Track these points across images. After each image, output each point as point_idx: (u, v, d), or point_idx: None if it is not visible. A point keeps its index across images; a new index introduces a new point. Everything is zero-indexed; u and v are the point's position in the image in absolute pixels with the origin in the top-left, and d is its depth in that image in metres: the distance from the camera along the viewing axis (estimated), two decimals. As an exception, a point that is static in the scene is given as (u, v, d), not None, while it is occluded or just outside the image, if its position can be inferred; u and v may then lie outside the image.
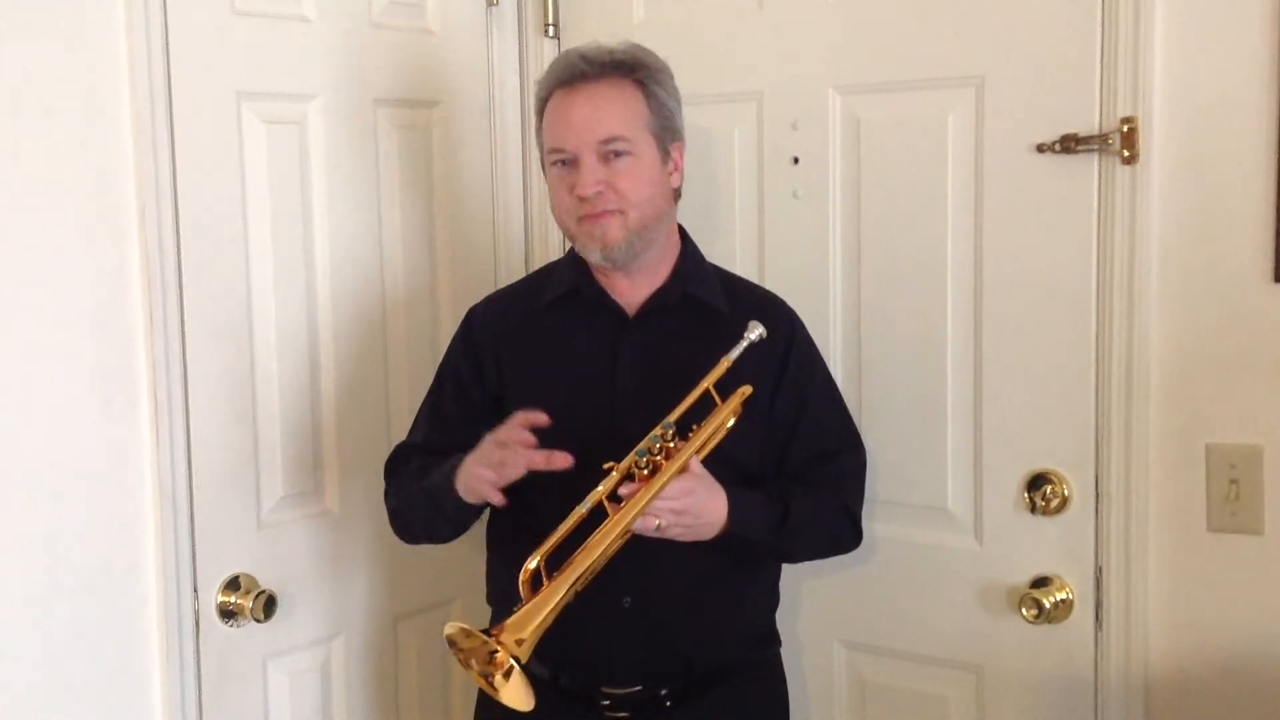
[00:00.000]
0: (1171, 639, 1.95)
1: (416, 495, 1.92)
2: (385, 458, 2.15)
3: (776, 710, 2.04)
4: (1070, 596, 2.02)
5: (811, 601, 2.27)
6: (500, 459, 1.73)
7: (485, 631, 1.63)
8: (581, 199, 1.84)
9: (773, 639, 2.04)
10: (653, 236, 1.90)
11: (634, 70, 1.88)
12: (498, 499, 1.74)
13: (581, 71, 1.85)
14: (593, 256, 1.88)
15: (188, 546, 2.03)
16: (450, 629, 1.65)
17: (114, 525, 1.95)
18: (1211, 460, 1.90)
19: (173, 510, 2.00)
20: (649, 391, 1.86)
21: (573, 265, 1.97)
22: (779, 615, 2.06)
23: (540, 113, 1.92)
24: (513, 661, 1.59)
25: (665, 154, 1.90)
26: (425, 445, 2.00)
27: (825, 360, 2.08)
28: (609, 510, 1.69)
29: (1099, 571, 2.00)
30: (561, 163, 1.86)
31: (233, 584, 2.09)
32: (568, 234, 1.92)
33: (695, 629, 1.89)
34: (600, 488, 1.70)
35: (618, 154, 1.84)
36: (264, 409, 2.15)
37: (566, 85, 1.86)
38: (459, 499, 1.82)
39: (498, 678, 1.61)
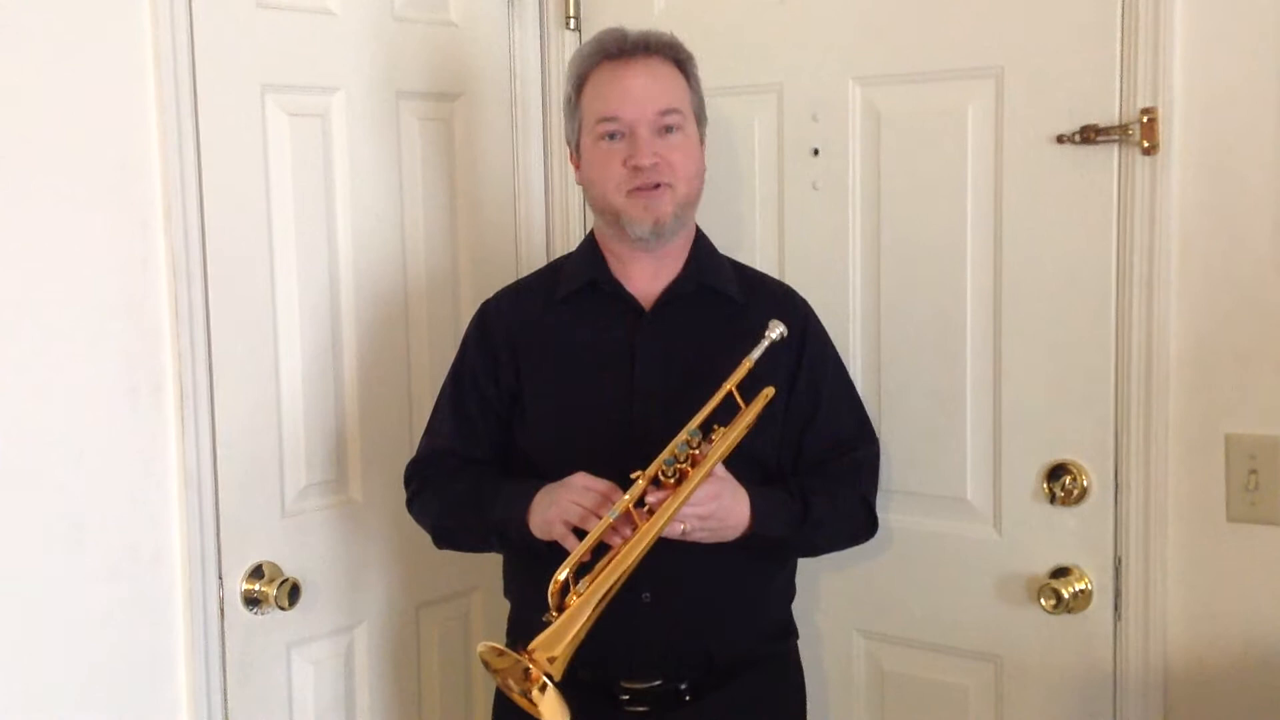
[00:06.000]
0: (1190, 629, 1.95)
1: (474, 523, 1.92)
2: (408, 447, 2.16)
3: (795, 701, 2.04)
4: (1089, 587, 2.02)
5: (830, 592, 2.28)
6: (582, 516, 1.74)
7: (517, 650, 1.62)
8: (636, 170, 1.83)
9: (790, 631, 2.05)
10: (691, 215, 1.93)
11: (676, 52, 1.91)
12: (573, 545, 1.73)
13: (632, 45, 1.87)
14: (640, 230, 1.86)
15: (213, 534, 2.05)
16: (482, 650, 1.65)
17: (140, 513, 1.98)
18: (1231, 450, 1.90)
19: (198, 498, 2.02)
20: (666, 385, 1.87)
21: (587, 258, 1.97)
22: (798, 606, 2.07)
23: (579, 85, 1.91)
24: (546, 679, 1.59)
25: (701, 134, 1.93)
26: (458, 452, 2.00)
27: (843, 351, 2.09)
28: (635, 517, 1.69)
29: (1118, 562, 2.00)
30: (610, 135, 1.86)
31: (257, 572, 2.11)
32: (609, 209, 1.88)
33: (714, 623, 1.89)
34: (627, 495, 1.70)
35: (671, 128, 1.86)
36: (288, 398, 2.17)
37: (618, 57, 1.87)
38: (530, 534, 1.82)
39: (534, 693, 1.61)
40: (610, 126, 1.85)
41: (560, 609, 1.65)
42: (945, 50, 2.09)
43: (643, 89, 1.85)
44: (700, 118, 1.94)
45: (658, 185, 1.84)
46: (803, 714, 2.05)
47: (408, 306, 2.35)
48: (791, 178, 2.27)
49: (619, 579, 1.66)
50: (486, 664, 1.67)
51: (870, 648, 2.28)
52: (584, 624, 1.63)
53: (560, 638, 1.62)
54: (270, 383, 2.14)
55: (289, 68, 2.14)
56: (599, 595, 1.65)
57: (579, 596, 1.65)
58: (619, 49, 1.87)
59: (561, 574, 1.66)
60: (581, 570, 1.69)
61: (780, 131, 2.27)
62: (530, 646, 1.62)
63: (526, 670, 1.61)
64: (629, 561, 1.67)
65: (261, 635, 2.13)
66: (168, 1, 1.95)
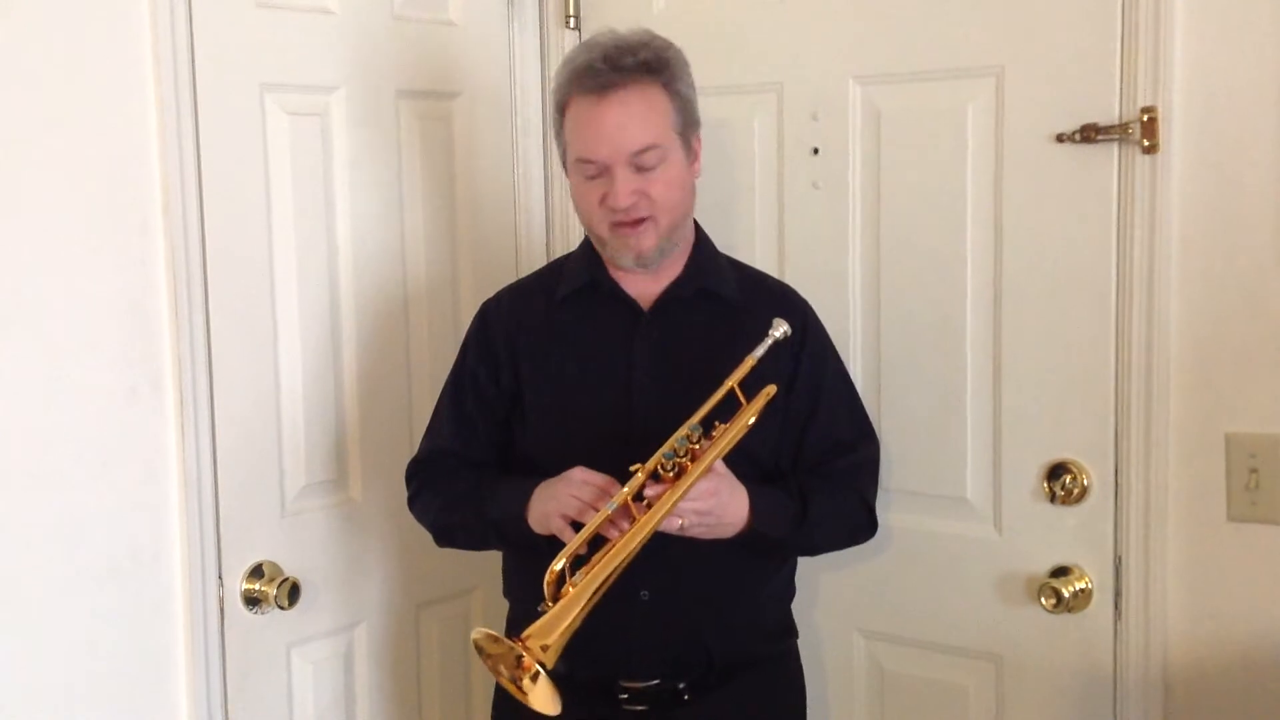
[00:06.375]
0: (1191, 628, 1.95)
1: (473, 521, 1.92)
2: (408, 447, 2.16)
3: (795, 701, 2.04)
4: (1089, 586, 2.02)
5: (830, 592, 2.28)
6: (579, 509, 1.74)
7: (511, 638, 1.62)
8: (614, 209, 1.81)
9: (790, 630, 2.05)
10: (682, 233, 1.91)
11: (659, 72, 1.83)
12: (571, 539, 1.72)
13: (608, 79, 1.79)
14: (625, 263, 1.87)
15: (213, 534, 2.05)
16: (477, 635, 1.65)
17: (140, 513, 1.97)
18: (1231, 449, 1.90)
19: (198, 498, 2.02)
20: (664, 386, 1.87)
21: (587, 259, 1.96)
22: (797, 606, 2.07)
23: (561, 112, 1.87)
24: (539, 667, 1.59)
25: (689, 149, 1.88)
26: (458, 453, 2.00)
27: (843, 351, 2.09)
28: (633, 511, 1.69)
29: (1118, 561, 2.00)
30: (589, 174, 1.83)
31: (257, 571, 2.11)
32: (597, 238, 1.89)
33: (713, 622, 1.89)
34: (625, 489, 1.69)
35: (650, 162, 1.81)
36: (287, 398, 2.16)
37: (592, 93, 1.80)
38: (529, 530, 1.82)
39: (525, 681, 1.61)
40: (588, 167, 1.83)
41: (555, 599, 1.65)
42: (945, 49, 2.09)
43: (617, 130, 1.79)
44: (689, 128, 1.87)
45: (638, 220, 1.82)
46: (803, 714, 2.05)
47: (407, 306, 2.35)
48: (791, 177, 2.27)
49: (615, 571, 1.66)
50: (480, 649, 1.66)
51: (870, 647, 2.28)
52: (578, 614, 1.63)
53: (554, 627, 1.62)
54: (270, 383, 2.14)
55: (288, 67, 2.14)
56: (594, 586, 1.65)
57: (574, 587, 1.65)
58: (596, 82, 1.79)
59: (557, 564, 1.67)
60: (579, 564, 1.69)
61: (780, 131, 2.27)
62: (524, 634, 1.62)
63: (519, 658, 1.61)
64: (625, 554, 1.67)
65: (261, 635, 2.13)
66: (167, 1, 1.94)
